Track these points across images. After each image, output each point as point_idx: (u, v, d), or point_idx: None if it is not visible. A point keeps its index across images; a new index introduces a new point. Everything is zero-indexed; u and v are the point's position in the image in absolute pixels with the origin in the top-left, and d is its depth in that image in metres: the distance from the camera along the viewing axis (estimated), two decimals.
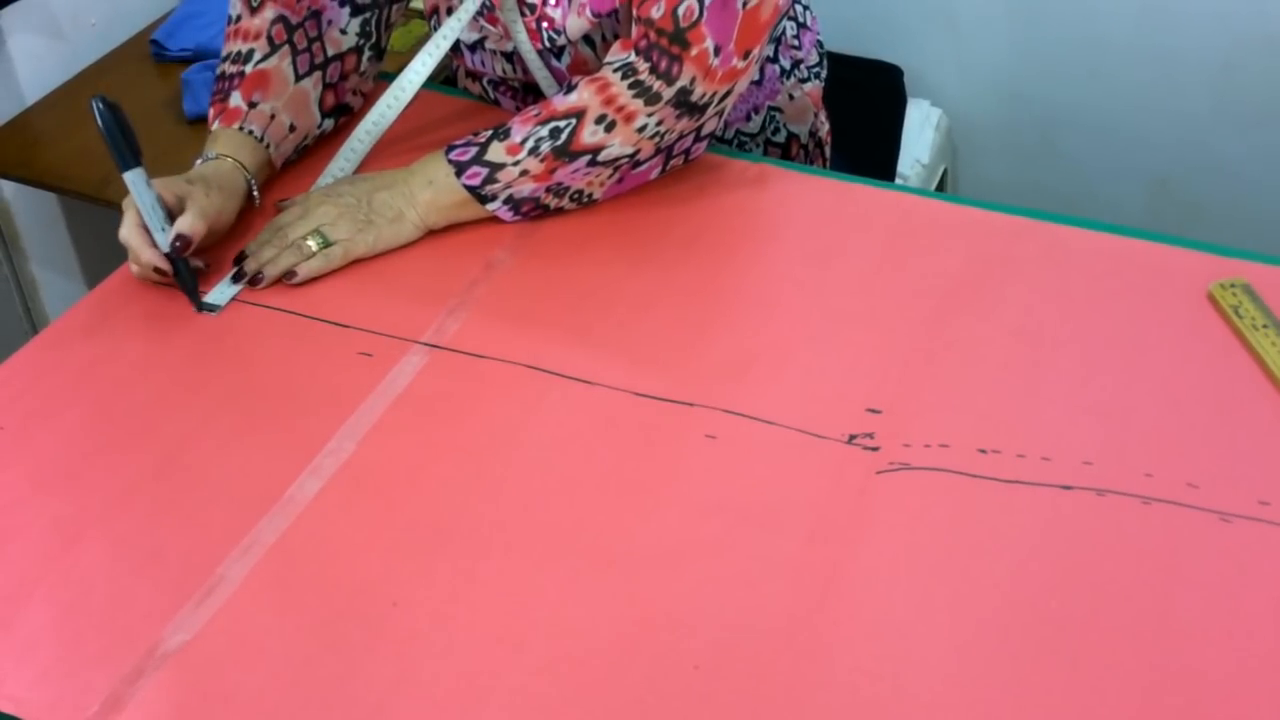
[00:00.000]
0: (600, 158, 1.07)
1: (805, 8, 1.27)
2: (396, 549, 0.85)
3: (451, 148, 1.09)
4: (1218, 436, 0.91)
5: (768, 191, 1.15)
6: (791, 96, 1.25)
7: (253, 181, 1.12)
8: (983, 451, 0.91)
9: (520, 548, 0.85)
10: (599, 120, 1.05)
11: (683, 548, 0.85)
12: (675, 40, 1.03)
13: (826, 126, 1.32)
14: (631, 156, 1.08)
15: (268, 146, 1.14)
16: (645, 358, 0.99)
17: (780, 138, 1.27)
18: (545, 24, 1.10)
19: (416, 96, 1.28)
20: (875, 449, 0.91)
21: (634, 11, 1.04)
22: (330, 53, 1.18)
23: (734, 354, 0.99)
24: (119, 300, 1.06)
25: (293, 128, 1.16)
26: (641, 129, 1.06)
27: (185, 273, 1.04)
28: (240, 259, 1.06)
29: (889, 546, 0.85)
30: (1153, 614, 0.80)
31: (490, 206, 1.09)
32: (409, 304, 1.04)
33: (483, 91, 1.27)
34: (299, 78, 1.16)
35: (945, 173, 2.14)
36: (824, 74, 1.30)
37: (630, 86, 1.05)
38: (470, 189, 1.08)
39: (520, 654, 0.78)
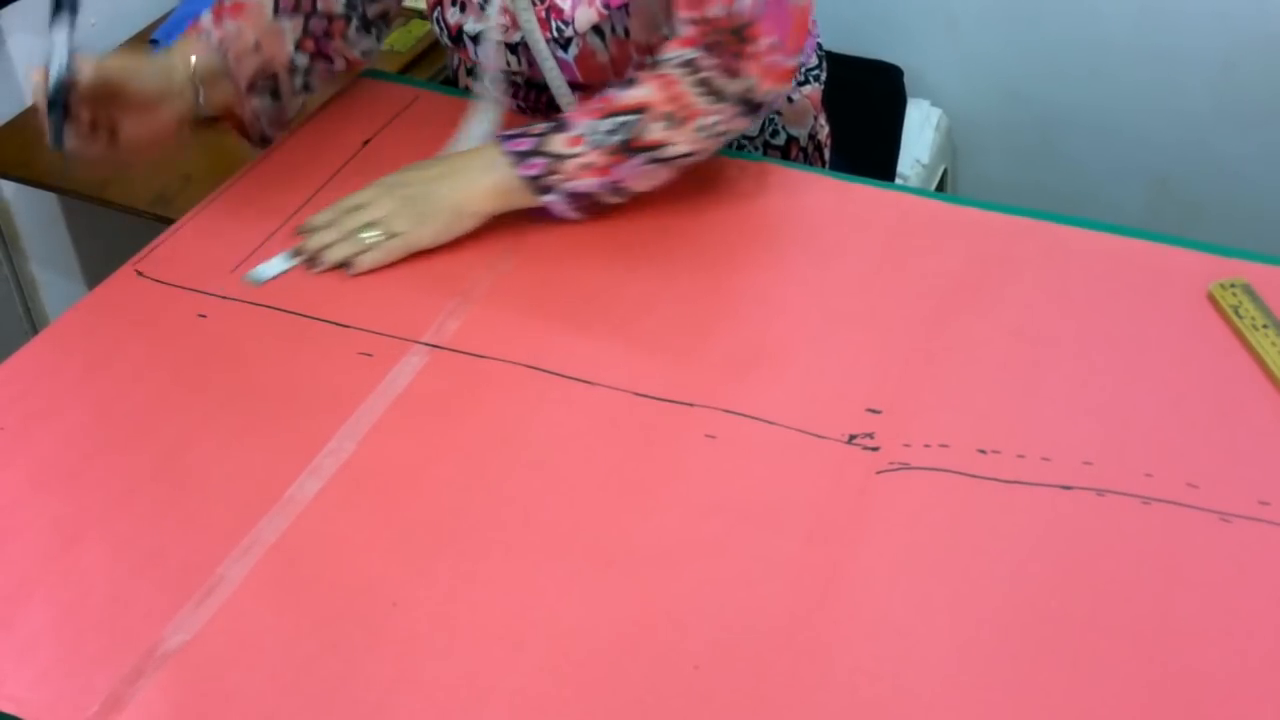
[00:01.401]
0: (660, 155, 1.07)
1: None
2: (396, 549, 0.85)
3: (505, 138, 1.08)
4: (1218, 436, 0.91)
5: (768, 191, 1.15)
6: (791, 99, 1.25)
7: (200, 84, 1.09)
8: (983, 451, 0.91)
9: (520, 548, 0.85)
10: (663, 118, 1.05)
11: (683, 548, 0.85)
12: (738, 37, 1.03)
13: (826, 129, 1.32)
14: (690, 156, 1.08)
15: (225, 55, 1.10)
16: (645, 358, 0.99)
17: (779, 140, 1.27)
18: (553, 15, 1.10)
19: (417, 99, 1.28)
20: (875, 449, 0.91)
21: (682, 12, 1.04)
22: (319, 7, 1.18)
23: (734, 354, 0.99)
24: (119, 300, 1.06)
25: (258, 46, 1.13)
26: (702, 128, 1.06)
27: (58, 111, 0.97)
28: (302, 230, 1.08)
29: (889, 546, 0.85)
30: (1153, 614, 0.80)
31: (546, 198, 1.08)
32: (409, 304, 1.04)
33: (484, 91, 1.27)
34: (277, 13, 1.14)
35: (945, 173, 2.13)
36: (823, 77, 1.30)
37: (696, 84, 1.04)
38: (530, 179, 1.07)
39: (520, 654, 0.78)
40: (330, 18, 1.19)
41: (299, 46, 1.18)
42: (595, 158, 1.06)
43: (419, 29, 1.73)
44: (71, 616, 0.81)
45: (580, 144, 1.05)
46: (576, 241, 1.10)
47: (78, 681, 0.77)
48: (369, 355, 0.99)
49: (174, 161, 1.51)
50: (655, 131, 1.05)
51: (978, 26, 2.01)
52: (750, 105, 1.07)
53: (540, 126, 1.07)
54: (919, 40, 2.04)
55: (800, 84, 1.26)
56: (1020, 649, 0.78)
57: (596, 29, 1.10)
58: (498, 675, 0.77)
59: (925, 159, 2.01)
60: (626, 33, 1.10)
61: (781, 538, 0.85)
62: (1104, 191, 2.05)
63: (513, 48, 1.16)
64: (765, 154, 1.27)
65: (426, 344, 1.00)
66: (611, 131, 1.05)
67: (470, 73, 1.27)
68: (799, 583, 0.82)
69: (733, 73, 1.04)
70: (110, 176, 1.49)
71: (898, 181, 1.86)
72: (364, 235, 1.06)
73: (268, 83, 1.16)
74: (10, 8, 1.59)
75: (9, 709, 0.76)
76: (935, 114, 2.07)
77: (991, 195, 1.90)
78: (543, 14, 1.10)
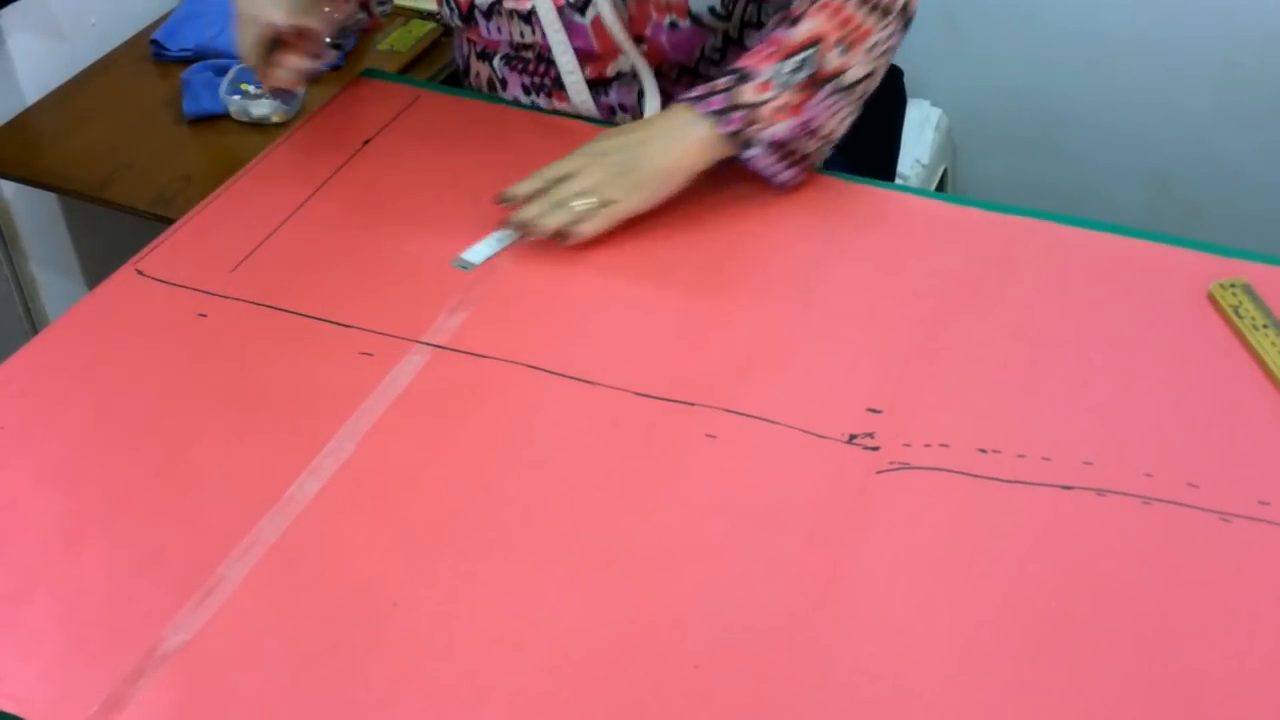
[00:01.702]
0: (842, 83, 1.07)
1: None
2: (396, 549, 0.85)
3: (694, 100, 1.07)
4: (1218, 436, 0.91)
5: (768, 191, 1.15)
6: None
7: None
8: (983, 451, 0.91)
9: (520, 548, 0.85)
10: (838, 43, 1.06)
11: (683, 547, 0.85)
12: None
13: None
14: (867, 79, 1.09)
15: None
16: (645, 358, 0.99)
17: None
18: None
19: (417, 99, 1.29)
20: (875, 449, 0.91)
21: None
22: None
23: (734, 354, 0.99)
24: (119, 300, 1.06)
25: None
26: (872, 47, 1.07)
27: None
28: (503, 200, 1.07)
29: (889, 546, 0.85)
30: (1153, 614, 0.80)
31: (749, 153, 1.08)
32: (409, 304, 1.04)
33: (491, 74, 1.27)
34: None
35: (945, 173, 2.14)
36: None
37: (859, 5, 1.06)
38: (732, 135, 1.06)
39: (520, 654, 0.78)
40: None
41: None
42: (786, 98, 1.05)
43: (419, 29, 1.73)
44: (72, 616, 0.81)
45: (769, 89, 1.05)
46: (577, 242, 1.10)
47: (78, 680, 0.77)
48: (369, 355, 0.99)
49: (174, 161, 1.51)
50: (833, 60, 1.06)
51: (978, 26, 2.01)
52: (906, 17, 1.09)
53: (722, 82, 1.07)
54: (919, 40, 2.04)
55: None
56: (1020, 649, 0.78)
57: None
58: (498, 675, 0.77)
59: (925, 159, 2.01)
60: None
61: (781, 538, 0.85)
62: (1104, 191, 2.05)
63: (525, 17, 1.16)
64: None
65: (426, 344, 1.00)
66: (795, 70, 1.05)
67: (481, 56, 1.27)
68: (799, 583, 0.82)
69: (881, 5, 1.06)
70: (110, 176, 1.49)
71: (898, 181, 1.86)
72: (576, 204, 1.05)
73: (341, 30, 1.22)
74: (10, 8, 1.59)
75: (10, 708, 0.76)
76: (935, 114, 2.07)
77: (991, 195, 1.90)
78: None
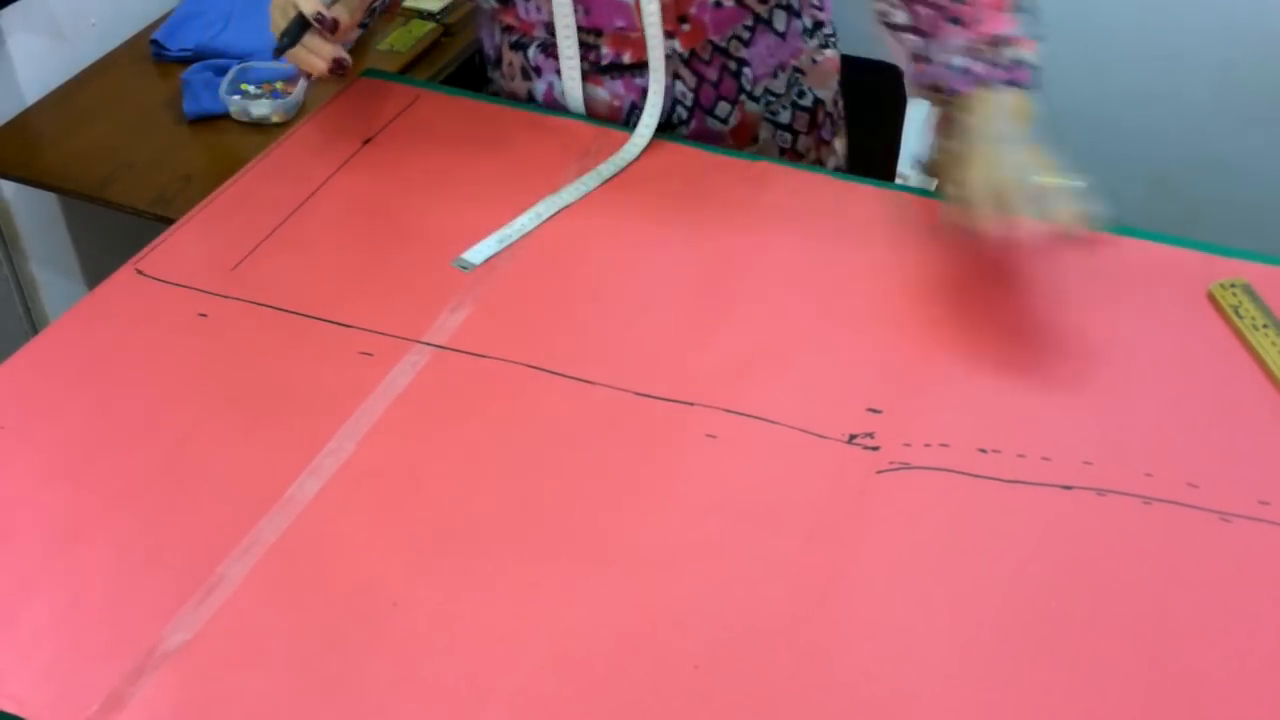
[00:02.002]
0: None
1: None
2: (396, 549, 0.85)
3: (1004, 82, 1.05)
4: (1218, 436, 0.91)
5: (768, 191, 1.15)
6: (814, 60, 1.28)
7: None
8: (983, 451, 0.91)
9: (520, 548, 0.85)
10: None
11: (683, 547, 0.85)
12: None
13: (841, 102, 1.35)
14: None
15: None
16: (645, 358, 0.99)
17: (806, 101, 1.29)
18: None
19: (417, 99, 1.28)
20: (875, 449, 0.91)
21: None
22: None
23: (734, 354, 0.99)
24: (119, 300, 1.06)
25: None
26: None
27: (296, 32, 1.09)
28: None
29: (889, 546, 0.85)
30: (1153, 614, 0.80)
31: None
32: (409, 304, 1.04)
33: (524, 63, 1.26)
34: None
35: None
36: (838, 45, 1.33)
37: None
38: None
39: (520, 654, 0.78)
40: None
41: None
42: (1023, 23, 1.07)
43: (419, 29, 1.73)
44: (72, 615, 0.81)
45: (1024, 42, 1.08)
46: (577, 241, 1.11)
47: (78, 680, 0.77)
48: (369, 355, 0.99)
49: (174, 161, 1.51)
50: None
51: None
52: None
53: (1000, 54, 1.06)
54: None
55: (822, 46, 1.30)
56: (1020, 649, 0.78)
57: None
58: (498, 675, 0.77)
59: (925, 159, 2.01)
60: None
61: (782, 537, 0.85)
62: (1103, 190, 2.04)
63: None
64: (794, 116, 1.29)
65: (426, 344, 1.00)
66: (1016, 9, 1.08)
67: (516, 46, 1.26)
68: (799, 582, 0.82)
69: None
70: (110, 176, 1.49)
71: (898, 181, 1.86)
72: (1051, 182, 0.99)
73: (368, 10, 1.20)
74: (10, 8, 1.59)
75: (10, 708, 0.76)
76: (935, 114, 2.07)
77: None
78: None
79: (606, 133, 1.24)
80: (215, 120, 1.57)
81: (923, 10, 1.10)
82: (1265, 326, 0.98)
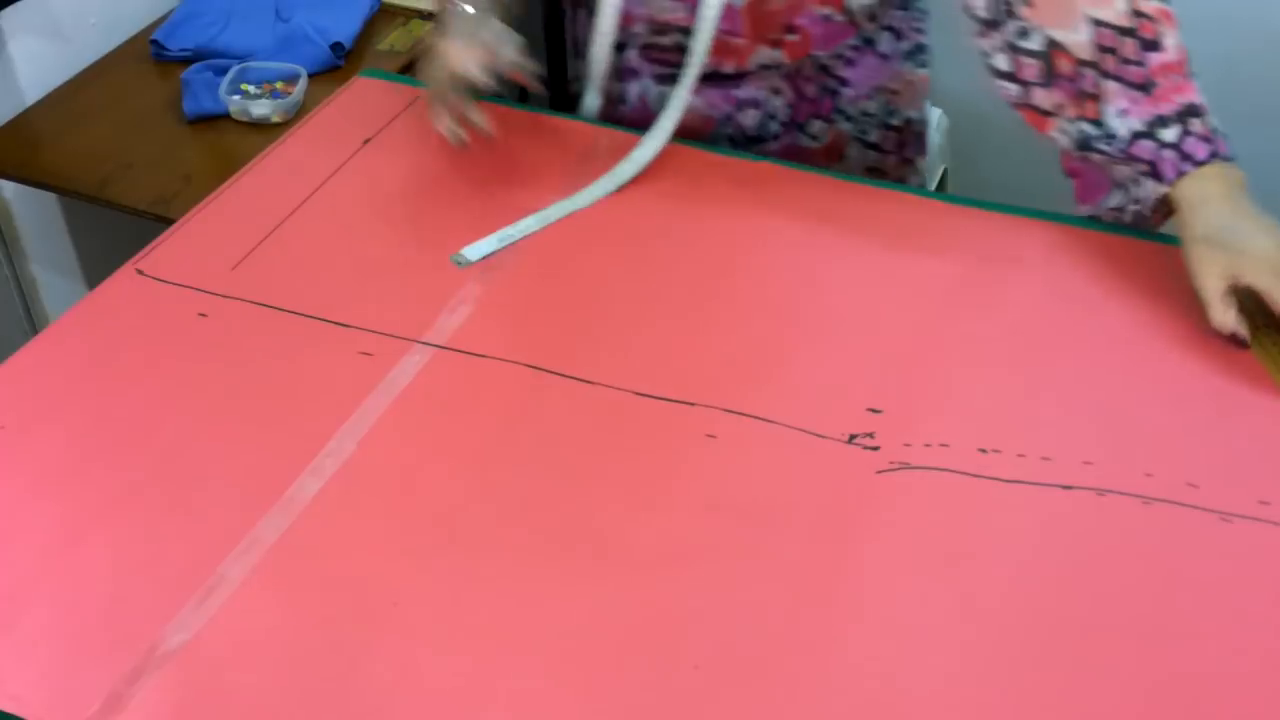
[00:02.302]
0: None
1: None
2: (396, 548, 0.85)
3: (1215, 157, 1.00)
4: (1218, 436, 0.91)
5: (769, 191, 1.15)
6: (907, 80, 1.27)
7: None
8: (983, 451, 0.91)
9: (520, 548, 0.85)
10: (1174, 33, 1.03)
11: (683, 547, 0.85)
12: None
13: (923, 117, 1.33)
14: None
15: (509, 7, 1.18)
16: (645, 358, 0.99)
17: (896, 120, 1.28)
18: None
19: (417, 99, 1.28)
20: (875, 449, 0.91)
21: None
22: None
23: (734, 353, 0.99)
24: (119, 300, 1.06)
25: None
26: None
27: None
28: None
29: (889, 546, 0.85)
30: (1153, 614, 0.80)
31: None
32: (409, 304, 1.04)
33: (616, 63, 1.22)
34: None
35: (945, 173, 2.13)
36: (930, 62, 1.30)
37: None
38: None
39: (520, 653, 0.78)
40: None
41: None
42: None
43: (419, 29, 1.73)
44: (72, 616, 0.81)
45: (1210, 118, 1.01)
46: (577, 241, 1.10)
47: (78, 680, 0.77)
48: (369, 355, 0.99)
49: (174, 161, 1.51)
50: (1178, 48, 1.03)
51: None
52: None
53: (1198, 125, 0.99)
54: None
55: (918, 67, 1.28)
56: (1020, 648, 0.78)
57: None
58: (498, 675, 0.77)
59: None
60: None
61: (782, 537, 0.85)
62: None
63: None
64: (884, 136, 1.28)
65: (426, 344, 1.00)
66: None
67: (578, 53, 1.23)
68: (799, 583, 0.82)
69: None
70: (110, 176, 1.49)
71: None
72: None
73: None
74: (10, 8, 1.59)
75: (10, 708, 0.76)
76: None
77: (991, 195, 1.90)
78: None
79: (606, 133, 1.24)
80: (215, 120, 1.57)
81: (1064, 66, 1.03)
82: (1265, 326, 0.98)
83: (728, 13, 1.13)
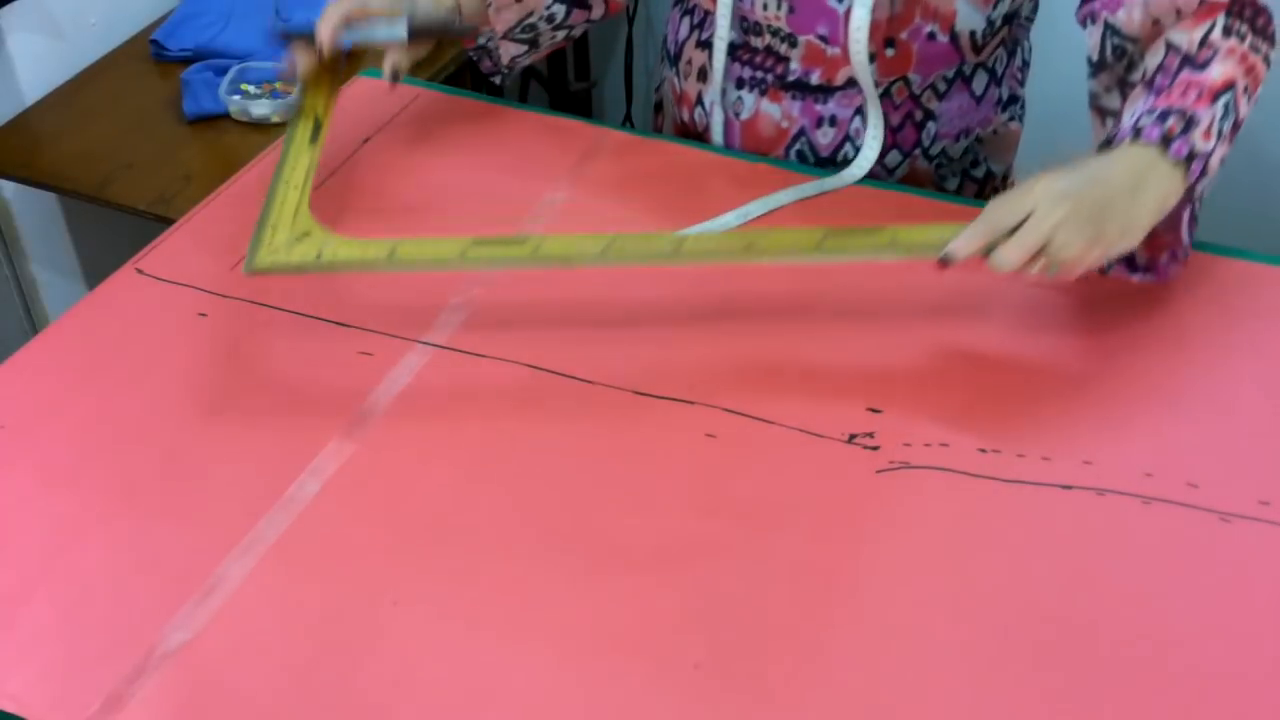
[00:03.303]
0: (1237, 134, 0.97)
1: (1031, 47, 1.25)
2: (396, 549, 0.85)
3: (1162, 142, 0.92)
4: (1218, 436, 0.91)
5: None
6: (996, 131, 1.23)
7: (459, 20, 1.15)
8: (982, 451, 0.91)
9: (520, 548, 0.85)
10: (1245, 91, 0.96)
11: (683, 547, 0.85)
12: None
13: (1014, 178, 1.28)
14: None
15: (489, 4, 1.17)
16: (645, 358, 0.99)
17: (978, 172, 1.24)
18: None
19: (417, 98, 1.28)
20: (875, 448, 0.91)
21: None
22: None
23: (734, 354, 0.99)
24: (119, 300, 1.06)
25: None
26: (1258, 92, 0.99)
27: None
28: (946, 260, 0.90)
29: (889, 546, 0.85)
30: (1152, 614, 0.80)
31: (1186, 214, 0.96)
32: (409, 304, 1.04)
33: (705, 64, 1.19)
34: None
35: None
36: (1025, 116, 1.26)
37: (1252, 49, 0.97)
38: (1190, 187, 0.93)
39: (520, 654, 0.78)
40: None
41: None
42: (1222, 148, 0.94)
43: None
44: (72, 615, 0.81)
45: (1211, 137, 0.93)
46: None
47: (78, 680, 0.77)
48: (369, 355, 0.99)
49: (174, 161, 1.51)
50: (1244, 108, 0.96)
51: None
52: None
53: (1172, 123, 0.92)
54: None
55: (1011, 118, 1.24)
56: (1020, 648, 0.78)
57: None
58: (497, 675, 0.77)
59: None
60: None
61: (782, 537, 0.85)
62: None
63: None
64: (962, 185, 1.23)
65: (426, 344, 1.00)
66: (1223, 117, 0.94)
67: (703, 45, 1.19)
68: (799, 582, 0.82)
69: (1269, 37, 0.99)
70: (110, 176, 1.49)
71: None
72: (1059, 255, 0.89)
73: (525, 33, 1.21)
74: (10, 8, 1.59)
75: (10, 708, 0.76)
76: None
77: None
78: None
79: (606, 133, 1.24)
80: (215, 120, 1.57)
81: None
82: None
83: (826, 17, 1.09)
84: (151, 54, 1.71)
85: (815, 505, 0.87)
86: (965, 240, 0.90)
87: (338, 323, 1.03)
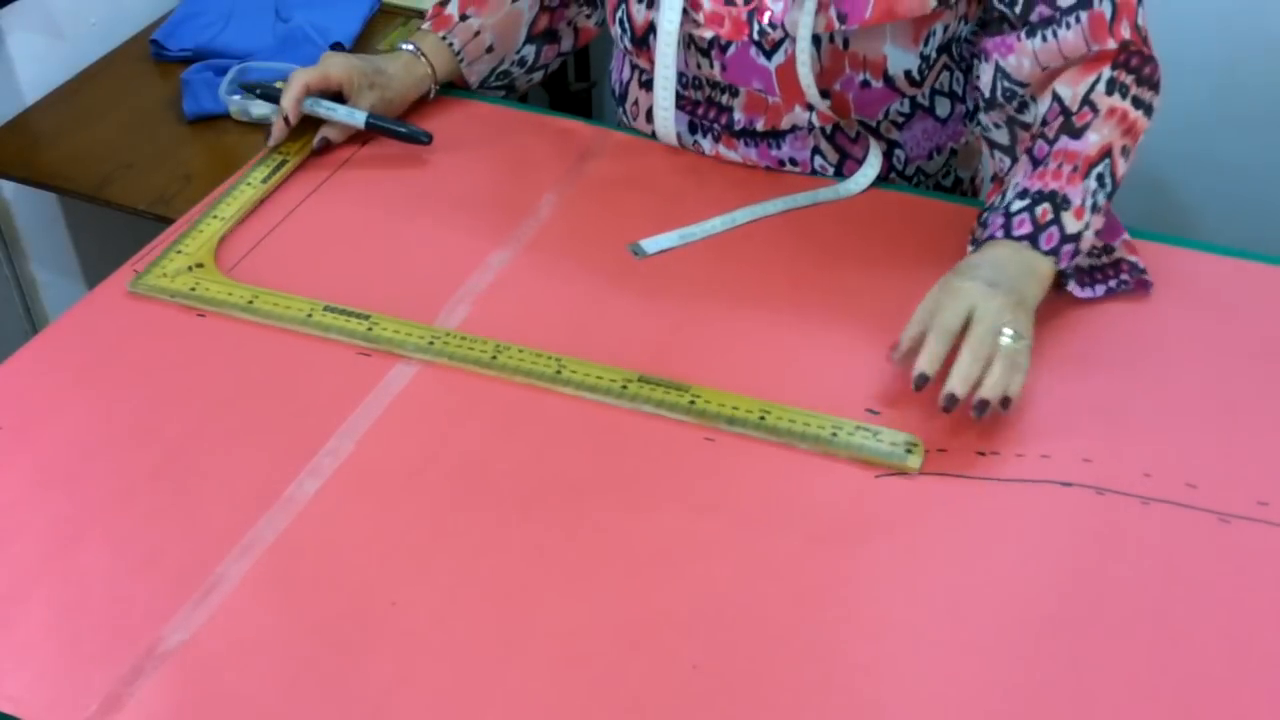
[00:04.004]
0: (1116, 192, 1.02)
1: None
2: (395, 549, 0.85)
3: (1027, 238, 0.97)
4: (1217, 436, 0.91)
5: (761, 193, 1.15)
6: (967, 142, 1.23)
7: (434, 88, 1.25)
8: (981, 454, 0.91)
9: (519, 548, 0.85)
10: (1122, 151, 1.01)
11: (682, 548, 0.85)
12: (1145, 43, 1.01)
13: (980, 171, 1.29)
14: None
15: (461, 61, 1.25)
16: (645, 358, 0.99)
17: (948, 181, 1.24)
18: (757, 16, 1.05)
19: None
20: None
21: (1094, 42, 1.00)
22: None
23: (733, 354, 0.99)
24: (119, 300, 1.06)
25: (491, 49, 1.24)
26: (1136, 145, 1.03)
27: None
28: (922, 380, 0.90)
29: (888, 546, 0.85)
30: (1151, 614, 0.80)
31: (1070, 285, 1.01)
32: (408, 303, 1.04)
33: (654, 105, 1.19)
34: None
35: None
36: None
37: (1133, 104, 1.00)
38: (1064, 272, 0.99)
39: (519, 654, 0.78)
40: None
41: (531, 28, 1.24)
42: (1096, 220, 0.99)
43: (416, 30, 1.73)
44: (70, 616, 0.81)
45: (1084, 214, 0.98)
46: (575, 240, 1.11)
47: (76, 681, 0.77)
48: (367, 355, 0.99)
49: (174, 161, 1.51)
50: (1121, 168, 1.00)
51: None
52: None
53: (1044, 211, 0.97)
54: None
55: (976, 126, 1.24)
56: (1019, 649, 0.78)
57: (814, 37, 1.05)
58: (497, 675, 0.77)
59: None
60: (846, 43, 1.06)
61: (780, 539, 0.85)
62: None
63: (704, 50, 1.12)
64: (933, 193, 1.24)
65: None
66: (1098, 189, 0.99)
67: (648, 85, 1.21)
68: (798, 583, 0.82)
69: (1154, 82, 1.02)
70: (110, 176, 1.49)
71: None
72: (1004, 341, 0.90)
73: (499, 80, 1.29)
74: (10, 7, 1.59)
75: (7, 708, 0.76)
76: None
77: None
78: (743, 16, 1.05)
79: (606, 133, 1.24)
80: (215, 120, 1.57)
81: (1023, 135, 1.04)
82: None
83: (759, 72, 1.10)
84: (151, 54, 1.71)
85: (814, 506, 0.87)
86: (926, 355, 0.91)
87: None
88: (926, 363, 0.90)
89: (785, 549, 0.84)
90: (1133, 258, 1.04)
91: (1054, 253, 0.97)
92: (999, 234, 0.98)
